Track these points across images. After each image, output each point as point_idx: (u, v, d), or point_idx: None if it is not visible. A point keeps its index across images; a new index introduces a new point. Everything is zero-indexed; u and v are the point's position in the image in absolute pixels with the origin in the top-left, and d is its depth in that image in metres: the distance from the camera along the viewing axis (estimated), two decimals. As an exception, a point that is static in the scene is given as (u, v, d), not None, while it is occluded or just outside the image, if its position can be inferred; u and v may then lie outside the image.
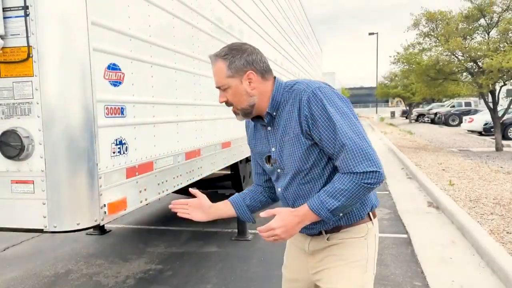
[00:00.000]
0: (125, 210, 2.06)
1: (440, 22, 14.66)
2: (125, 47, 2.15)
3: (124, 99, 2.13)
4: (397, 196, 7.38)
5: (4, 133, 1.80)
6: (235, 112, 1.63)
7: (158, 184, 2.46)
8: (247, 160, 5.05)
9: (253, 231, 5.53)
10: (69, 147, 1.80)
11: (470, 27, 14.28)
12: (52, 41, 1.78)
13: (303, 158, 1.54)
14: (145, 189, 2.29)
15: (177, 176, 2.72)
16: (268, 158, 1.67)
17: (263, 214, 1.51)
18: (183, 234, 5.61)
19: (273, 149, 1.64)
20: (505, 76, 13.05)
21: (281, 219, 1.46)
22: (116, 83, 2.05)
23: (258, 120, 1.66)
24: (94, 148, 1.86)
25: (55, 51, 1.79)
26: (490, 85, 13.31)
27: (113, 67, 2.03)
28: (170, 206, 1.76)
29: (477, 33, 14.55)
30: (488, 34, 14.26)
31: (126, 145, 2.13)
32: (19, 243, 5.30)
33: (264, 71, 1.59)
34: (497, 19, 13.92)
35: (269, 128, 1.63)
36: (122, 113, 2.10)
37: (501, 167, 9.61)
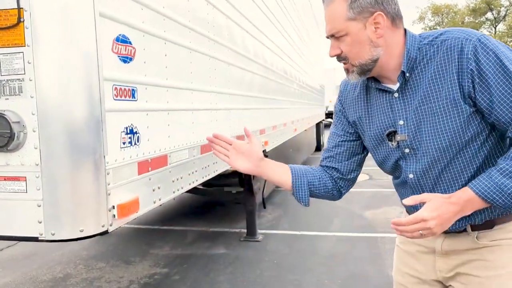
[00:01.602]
0: (137, 212, 1.72)
1: (446, 15, 14.39)
2: (137, 17, 1.80)
3: (135, 79, 1.78)
4: (409, 194, 7.07)
5: (-11, 118, 1.44)
6: (347, 70, 1.29)
7: (173, 182, 2.11)
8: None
9: (263, 231, 5.22)
10: (71, 135, 1.45)
11: (477, 21, 14.07)
12: (49, 1, 1.42)
13: (459, 131, 1.19)
14: (158, 187, 1.95)
15: (192, 173, 2.38)
16: (391, 135, 1.31)
17: (408, 200, 1.18)
18: (188, 235, 5.29)
19: (401, 122, 1.27)
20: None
21: (435, 208, 1.12)
22: (126, 59, 1.70)
23: (377, 83, 1.31)
24: (101, 136, 1.51)
25: (53, 13, 1.43)
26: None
27: (122, 40, 1.68)
28: (207, 138, 1.47)
29: (484, 27, 14.33)
30: (495, 28, 14.02)
31: (138, 134, 1.78)
32: (13, 244, 4.94)
33: (396, 16, 1.23)
34: (504, 12, 13.68)
35: (396, 95, 1.28)
36: (133, 96, 1.75)
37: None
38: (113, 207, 1.56)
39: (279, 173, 1.47)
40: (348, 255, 4.38)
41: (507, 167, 1.11)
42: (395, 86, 1.28)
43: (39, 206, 1.44)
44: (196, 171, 2.42)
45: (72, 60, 1.46)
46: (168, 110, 2.08)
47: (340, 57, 1.27)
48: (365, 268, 4.02)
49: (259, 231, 5.14)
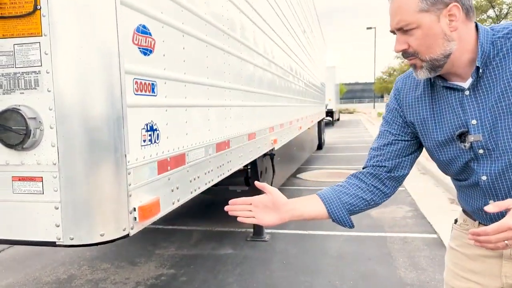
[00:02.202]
0: (157, 214, 1.61)
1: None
2: (156, 7, 1.70)
3: (155, 73, 1.68)
4: (415, 193, 7.01)
5: (3, 113, 1.33)
6: (415, 66, 1.19)
7: (190, 181, 2.01)
8: (265, 154, 4.62)
9: (269, 231, 5.13)
10: (90, 132, 1.34)
11: (478, 19, 13.99)
12: None
13: None
14: (177, 188, 1.85)
15: (209, 172, 2.28)
16: (463, 135, 1.22)
17: (491, 208, 1.06)
18: (193, 234, 5.19)
19: (473, 122, 1.19)
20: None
21: None
22: (146, 51, 1.60)
23: (444, 81, 1.22)
24: (122, 134, 1.40)
25: (72, 0, 1.33)
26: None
27: (143, 31, 1.57)
28: (226, 208, 1.35)
29: (485, 24, 14.31)
30: (497, 26, 14.00)
31: (158, 132, 1.68)
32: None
33: (470, 8, 1.14)
34: (506, 10, 13.63)
35: (467, 93, 1.19)
36: (153, 91, 1.65)
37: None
38: (134, 209, 1.46)
39: (311, 207, 1.37)
40: (357, 255, 4.29)
41: None
42: (465, 84, 1.20)
43: (57, 208, 1.33)
44: (212, 170, 2.33)
45: (92, 51, 1.35)
46: (186, 106, 1.98)
47: (407, 53, 1.18)
48: (375, 269, 3.94)
49: (265, 230, 5.05)
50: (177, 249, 4.68)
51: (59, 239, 1.35)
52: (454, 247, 1.44)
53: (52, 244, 1.35)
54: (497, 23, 10.77)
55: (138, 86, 1.53)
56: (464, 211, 1.41)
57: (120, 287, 3.74)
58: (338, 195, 1.36)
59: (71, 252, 4.54)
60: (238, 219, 1.35)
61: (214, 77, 2.40)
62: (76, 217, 1.34)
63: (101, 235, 1.35)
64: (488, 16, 13.89)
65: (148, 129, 1.60)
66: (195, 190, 2.07)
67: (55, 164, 1.33)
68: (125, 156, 1.42)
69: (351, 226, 1.37)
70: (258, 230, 4.94)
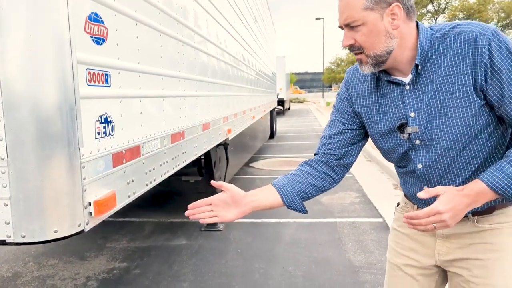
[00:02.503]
0: (114, 208, 1.58)
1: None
2: (107, -6, 1.63)
3: (109, 63, 1.62)
4: (362, 179, 7.32)
5: None
6: (361, 60, 1.26)
7: (146, 174, 1.98)
8: (218, 144, 4.62)
9: (223, 220, 5.16)
10: (41, 124, 1.28)
11: (419, 13, 14.67)
12: None
13: (470, 122, 1.20)
14: (133, 180, 1.81)
15: (164, 163, 2.25)
16: (402, 127, 1.30)
17: (422, 194, 1.17)
18: (145, 226, 5.10)
19: (412, 115, 1.27)
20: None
21: (449, 200, 1.13)
22: (99, 40, 1.54)
23: (388, 75, 1.30)
24: (76, 126, 1.35)
25: None
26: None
27: (95, 19, 1.51)
28: (187, 213, 1.35)
29: (425, 19, 15.01)
30: (436, 20, 14.74)
31: (112, 123, 1.63)
32: (-51, 243, 4.50)
33: (410, 8, 1.22)
34: (444, 5, 14.40)
35: (407, 88, 1.27)
36: (107, 81, 1.59)
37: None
38: (90, 204, 1.42)
39: (268, 198, 1.43)
40: (310, 241, 4.42)
41: None
42: (406, 79, 1.28)
43: (6, 205, 1.26)
44: (167, 162, 2.30)
45: (42, 40, 1.28)
46: (140, 97, 1.93)
47: (353, 47, 1.24)
48: (327, 253, 4.08)
49: (219, 220, 5.07)
50: (129, 242, 4.58)
51: (9, 237, 1.28)
52: (396, 227, 1.54)
53: (2, 242, 1.28)
54: (436, 17, 11.36)
55: (91, 76, 1.47)
56: (405, 195, 1.52)
57: (70, 283, 3.61)
58: (292, 184, 1.43)
59: (15, 248, 4.31)
60: (201, 221, 1.35)
61: (169, 67, 2.36)
62: (28, 214, 1.28)
63: (55, 232, 1.31)
64: (427, 11, 14.60)
65: (102, 121, 1.55)
66: (150, 182, 2.04)
67: (3, 159, 1.26)
68: (79, 149, 1.37)
69: (304, 212, 1.45)
70: (212, 219, 4.95)
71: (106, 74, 1.58)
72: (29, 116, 1.26)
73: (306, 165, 1.49)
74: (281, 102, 23.16)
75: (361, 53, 1.24)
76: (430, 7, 14.90)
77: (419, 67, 1.23)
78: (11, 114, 1.25)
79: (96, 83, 1.51)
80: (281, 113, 24.76)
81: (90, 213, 1.43)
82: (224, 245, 4.41)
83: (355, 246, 4.22)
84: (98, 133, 1.52)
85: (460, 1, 13.52)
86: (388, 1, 1.16)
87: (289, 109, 31.47)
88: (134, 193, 1.82)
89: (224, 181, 5.33)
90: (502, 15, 13.28)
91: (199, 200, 1.36)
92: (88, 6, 1.48)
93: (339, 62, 34.82)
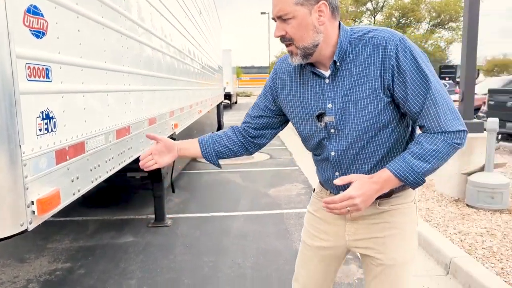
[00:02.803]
0: (58, 206, 1.53)
1: (333, 3, 15.40)
2: (46, -14, 1.57)
3: (50, 57, 1.56)
4: (307, 171, 7.54)
5: None
6: (291, 52, 1.37)
7: (91, 170, 1.93)
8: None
9: (171, 216, 5.11)
10: None
11: (359, 10, 15.28)
12: None
13: (376, 117, 1.35)
14: (77, 177, 1.76)
15: (109, 159, 2.20)
16: (320, 116, 1.43)
17: (338, 181, 1.33)
18: (89, 225, 4.94)
19: (329, 106, 1.40)
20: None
21: (360, 187, 1.29)
22: (39, 34, 1.48)
23: (312, 67, 1.42)
24: (15, 122, 1.30)
25: None
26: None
27: (34, 11, 1.45)
28: (141, 164, 1.61)
29: (365, 16, 15.68)
30: (375, 18, 15.42)
31: (54, 119, 1.58)
32: None
33: (335, 8, 1.35)
34: (382, 3, 15.11)
35: (327, 81, 1.40)
36: (48, 76, 1.54)
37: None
38: (32, 202, 1.37)
39: (192, 148, 1.68)
40: (258, 233, 4.50)
41: (417, 150, 1.30)
42: (327, 73, 1.41)
43: None
44: (112, 158, 2.25)
45: None
46: (83, 92, 1.87)
47: (284, 38, 1.35)
48: (275, 244, 4.19)
49: (167, 215, 5.01)
50: (72, 242, 4.41)
51: None
52: (311, 211, 1.69)
53: None
54: (375, 15, 11.89)
55: (31, 71, 1.42)
56: (320, 182, 1.66)
57: (9, 286, 3.43)
58: (213, 143, 1.67)
59: None
60: (145, 167, 1.60)
61: (113, 61, 2.30)
62: (-35, 215, 1.22)
63: (-5, 232, 1.26)
64: (367, 9, 15.22)
65: (44, 117, 1.50)
66: (96, 179, 2.00)
67: None
68: (20, 146, 1.32)
69: (219, 166, 1.72)
70: (160, 216, 4.88)
71: (47, 69, 1.53)
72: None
73: (231, 130, 1.70)
74: (228, 96, 23.14)
75: (291, 44, 1.35)
76: (369, 5, 15.54)
77: (337, 64, 1.36)
78: None
79: (37, 78, 1.46)
80: (228, 107, 24.74)
81: (33, 212, 1.38)
82: (172, 241, 4.38)
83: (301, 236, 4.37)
84: (40, 130, 1.47)
85: (395, 0, 14.23)
86: (311, 1, 1.29)
87: (236, 103, 31.51)
88: (79, 191, 1.78)
89: (172, 177, 5.29)
90: (434, 14, 14.17)
91: (144, 153, 1.61)
92: (26, -2, 1.42)
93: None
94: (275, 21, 1.35)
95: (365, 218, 1.50)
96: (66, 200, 1.64)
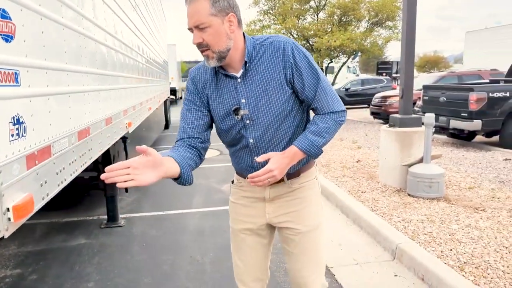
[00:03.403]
0: (32, 212, 1.51)
1: (278, 1, 15.62)
2: (13, -12, 1.53)
3: (18, 61, 1.53)
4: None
5: None
6: (208, 56, 1.57)
7: (57, 174, 1.90)
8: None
9: (124, 216, 5.03)
10: None
11: (302, 8, 15.62)
12: None
13: (283, 105, 1.64)
14: (45, 182, 1.73)
15: (72, 162, 2.16)
16: (236, 110, 1.67)
17: (260, 159, 1.58)
18: (36, 229, 4.74)
19: (243, 101, 1.65)
20: (332, 53, 14.77)
21: (276, 161, 1.57)
22: (8, 38, 1.44)
23: (224, 71, 1.66)
24: (-10, 130, 1.28)
25: None
26: (320, 62, 14.95)
27: (3, 15, 1.41)
28: (103, 176, 1.30)
29: (308, 14, 16.06)
30: (317, 15, 15.87)
31: (24, 124, 1.54)
32: None
33: (240, 20, 1.60)
34: (324, 2, 15.57)
35: (239, 80, 1.65)
36: (17, 80, 1.50)
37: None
38: (8, 209, 1.36)
39: (172, 168, 1.49)
40: (214, 229, 4.56)
41: (314, 128, 1.64)
42: (238, 74, 1.65)
43: None
44: (75, 160, 2.22)
45: None
46: (48, 95, 1.84)
47: (201, 45, 1.54)
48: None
49: (120, 215, 4.93)
50: (19, 247, 4.22)
51: None
52: (233, 200, 1.92)
53: None
54: (317, 13, 12.22)
55: (2, 76, 1.39)
56: (237, 172, 1.89)
57: (-47, 298, 3.24)
58: (184, 158, 1.58)
59: None
60: (118, 185, 1.31)
61: (73, 62, 2.26)
62: None
63: (-27, 241, 1.23)
64: (310, 7, 15.61)
65: (15, 122, 1.47)
66: (62, 182, 1.97)
67: None
68: (-5, 153, 1.30)
69: (191, 183, 1.59)
70: (112, 216, 4.78)
71: (16, 73, 1.50)
72: None
73: (181, 145, 1.68)
74: (173, 91, 22.77)
75: (207, 50, 1.54)
76: (312, 3, 15.93)
77: (247, 65, 1.62)
78: None
79: (7, 83, 1.43)
80: (173, 102, 24.35)
81: (9, 218, 1.36)
82: (127, 241, 4.32)
83: (257, 229, 4.49)
84: (12, 135, 1.45)
85: (337, 0, 14.73)
86: (227, 11, 1.52)
87: (181, 98, 31.07)
88: (47, 195, 1.75)
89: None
90: (372, 13, 14.86)
91: (117, 163, 1.32)
92: (-5, 2, 1.38)
93: (229, 52, 35.24)
94: (192, 31, 1.53)
95: (281, 197, 1.79)
96: (37, 205, 1.62)
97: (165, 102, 12.18)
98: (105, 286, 3.38)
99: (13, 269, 3.71)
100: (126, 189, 5.21)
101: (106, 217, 4.86)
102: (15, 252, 4.07)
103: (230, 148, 1.84)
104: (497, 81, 9.31)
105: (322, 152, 1.68)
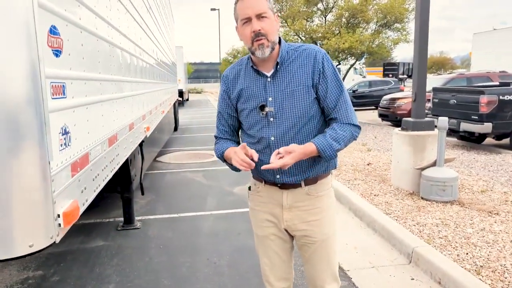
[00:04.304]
0: (77, 217, 1.59)
1: (286, 3, 15.68)
2: (60, 5, 1.61)
3: (65, 74, 1.60)
4: (268, 169, 7.69)
5: None
6: (263, 45, 1.68)
7: (93, 180, 1.98)
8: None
9: (139, 218, 5.10)
10: (15, 142, 1.26)
11: (310, 10, 15.68)
12: None
13: (307, 108, 1.74)
14: (85, 188, 1.81)
15: (104, 168, 2.24)
16: (262, 107, 1.77)
17: (282, 149, 1.65)
18: (55, 230, 4.81)
19: (270, 99, 1.76)
20: (341, 55, 14.79)
21: (293, 158, 1.65)
22: (57, 53, 1.52)
23: (258, 69, 1.78)
24: (45, 141, 1.35)
25: None
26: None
27: (54, 32, 1.49)
28: (248, 167, 1.67)
29: (316, 16, 16.10)
30: (325, 18, 15.91)
31: (70, 134, 1.62)
32: None
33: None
34: (332, 4, 15.61)
35: (269, 79, 1.76)
36: (64, 92, 1.58)
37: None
38: (59, 215, 1.43)
39: None
40: (228, 231, 4.61)
41: (333, 134, 1.72)
42: (269, 73, 1.78)
43: (-22, 224, 1.23)
44: (106, 166, 2.29)
45: (14, 58, 1.25)
46: (87, 105, 1.92)
47: (260, 33, 1.67)
48: (247, 241, 4.32)
49: (136, 218, 4.99)
50: (40, 248, 4.31)
51: (-18, 255, 1.25)
52: (253, 207, 2.00)
53: (-27, 262, 1.24)
54: (326, 15, 12.23)
55: (54, 89, 1.47)
56: (254, 177, 1.96)
57: (-21, 299, 3.33)
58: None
59: None
60: (250, 167, 1.67)
61: (104, 71, 2.34)
62: (3, 231, 1.26)
63: (30, 246, 1.31)
64: (318, 9, 15.65)
65: (64, 132, 1.54)
66: (97, 188, 2.04)
67: (-27, 178, 1.22)
68: (49, 163, 1.38)
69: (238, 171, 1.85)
70: (128, 218, 4.85)
71: (63, 86, 1.57)
72: (3, 131, 1.24)
73: (229, 141, 1.93)
74: (180, 93, 22.90)
75: (264, 38, 1.68)
76: (320, 5, 15.96)
77: (279, 65, 1.74)
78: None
79: (58, 96, 1.51)
80: (180, 104, 24.46)
81: (59, 224, 1.44)
82: (144, 243, 4.38)
83: (272, 232, 4.53)
84: (61, 145, 1.52)
85: (345, 2, 14.76)
86: (274, 10, 1.73)
87: (187, 100, 31.22)
88: (87, 200, 1.83)
89: (141, 178, 5.25)
90: (380, 15, 14.87)
91: (243, 155, 1.66)
92: (49, 20, 1.46)
93: (236, 54, 35.42)
94: (248, 21, 1.67)
95: (299, 207, 1.85)
96: (81, 211, 1.69)
97: (174, 104, 12.27)
98: (126, 287, 3.45)
99: (35, 270, 3.79)
100: (142, 192, 5.28)
101: (122, 219, 4.92)
102: (36, 254, 4.15)
103: (251, 147, 1.89)
104: (508, 84, 9.31)
105: (335, 157, 1.76)
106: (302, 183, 1.82)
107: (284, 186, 1.83)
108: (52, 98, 1.46)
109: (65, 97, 1.61)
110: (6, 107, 1.26)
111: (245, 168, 1.66)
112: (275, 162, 1.62)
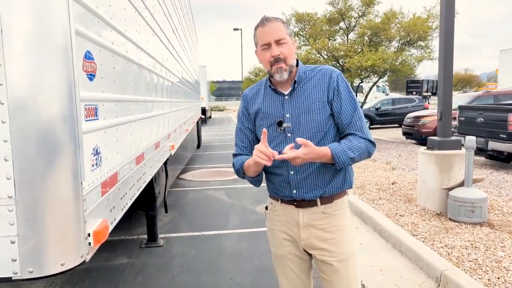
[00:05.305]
0: (106, 236, 1.62)
1: (308, 23, 15.83)
2: (95, 30, 1.68)
3: (97, 97, 1.67)
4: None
5: None
6: (282, 68, 1.77)
7: (121, 199, 2.02)
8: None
9: (162, 236, 5.13)
10: (51, 162, 1.31)
11: (332, 29, 15.77)
12: (23, 13, 1.24)
13: (322, 124, 1.80)
14: (113, 207, 1.85)
15: (132, 186, 2.29)
16: (280, 123, 1.83)
17: (299, 140, 1.67)
18: (80, 246, 4.88)
19: (287, 115, 1.82)
20: (363, 73, 14.75)
21: (307, 153, 1.67)
22: (91, 77, 1.59)
23: (276, 89, 1.87)
24: (78, 162, 1.40)
25: (27, 26, 1.27)
26: (350, 82, 14.95)
27: (89, 56, 1.56)
28: (265, 160, 1.68)
29: (338, 34, 16.18)
30: (347, 36, 15.96)
31: (100, 154, 1.67)
32: None
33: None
34: (354, 23, 15.67)
35: (286, 97, 1.84)
36: (96, 114, 1.64)
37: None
38: (89, 234, 1.47)
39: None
40: (252, 251, 4.57)
41: (349, 144, 1.76)
42: (286, 92, 1.86)
43: (13, 242, 1.27)
44: (134, 185, 2.34)
45: (54, 83, 1.32)
46: (116, 125, 1.98)
47: (279, 58, 1.77)
48: (270, 261, 4.18)
49: (159, 235, 5.02)
50: (66, 264, 4.38)
51: (16, 273, 1.29)
52: (270, 226, 2.00)
53: (7, 280, 1.28)
54: (347, 33, 12.27)
55: (87, 112, 1.53)
56: (270, 196, 2.00)
57: (8, 313, 3.39)
58: None
59: None
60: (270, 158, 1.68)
61: (133, 92, 2.41)
62: (36, 250, 1.30)
63: (62, 265, 1.34)
64: (340, 28, 15.72)
65: (95, 153, 1.60)
66: (124, 207, 2.08)
67: (10, 197, 1.27)
68: (81, 183, 1.42)
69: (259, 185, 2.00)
70: (152, 236, 4.89)
71: (96, 108, 1.63)
72: (38, 153, 1.29)
73: (247, 156, 1.94)
74: (203, 111, 23.20)
75: (282, 63, 1.77)
76: (342, 24, 16.03)
77: (296, 85, 1.83)
78: (21, 153, 1.27)
79: (90, 118, 1.56)
80: (203, 121, 24.75)
81: (89, 243, 1.47)
82: (167, 261, 4.40)
83: (295, 252, 4.48)
84: (93, 165, 1.57)
85: (367, 21, 14.79)
86: (291, 35, 1.82)
87: (210, 117, 31.57)
88: (115, 219, 1.87)
89: (165, 196, 5.30)
90: (403, 33, 14.80)
91: (265, 148, 1.68)
92: (84, 46, 1.53)
93: (258, 72, 35.79)
94: (268, 46, 1.77)
95: (315, 226, 1.86)
96: (110, 230, 1.73)
97: (197, 122, 12.43)
98: (151, 305, 3.45)
99: (61, 286, 3.84)
100: (166, 209, 5.33)
101: (145, 236, 4.96)
102: (62, 270, 4.23)
103: (268, 172, 1.94)
104: (537, 102, 9.06)
105: (348, 165, 1.78)
106: (318, 202, 1.84)
107: (300, 204, 1.85)
108: (86, 120, 1.51)
109: (97, 119, 1.67)
110: (44, 129, 1.31)
111: (265, 162, 1.67)
112: (288, 153, 1.65)
